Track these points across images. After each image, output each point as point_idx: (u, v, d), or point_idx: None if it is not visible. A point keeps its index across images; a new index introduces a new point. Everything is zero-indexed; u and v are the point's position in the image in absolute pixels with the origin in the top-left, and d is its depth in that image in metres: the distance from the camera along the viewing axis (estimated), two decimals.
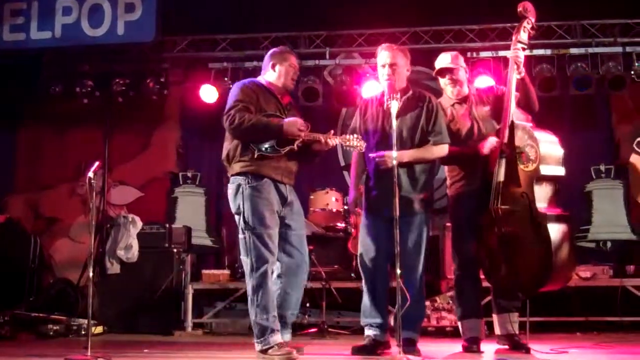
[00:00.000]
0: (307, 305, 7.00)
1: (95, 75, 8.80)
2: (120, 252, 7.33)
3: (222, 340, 6.86)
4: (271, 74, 5.15)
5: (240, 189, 4.87)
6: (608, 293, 7.23)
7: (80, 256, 8.26)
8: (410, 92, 5.13)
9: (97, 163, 5.21)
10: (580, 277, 7.21)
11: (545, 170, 4.88)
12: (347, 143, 4.90)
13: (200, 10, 8.68)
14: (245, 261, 4.86)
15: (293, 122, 4.86)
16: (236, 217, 4.92)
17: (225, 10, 8.70)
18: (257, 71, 8.59)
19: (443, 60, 5.41)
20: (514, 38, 5.23)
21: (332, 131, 5.01)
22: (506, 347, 5.21)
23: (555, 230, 4.79)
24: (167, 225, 7.64)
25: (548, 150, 4.93)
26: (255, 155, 4.84)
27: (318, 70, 8.70)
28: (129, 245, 7.37)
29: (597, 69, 8.33)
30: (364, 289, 5.18)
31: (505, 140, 5.01)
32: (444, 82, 5.42)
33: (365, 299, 5.16)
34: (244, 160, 4.87)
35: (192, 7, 8.67)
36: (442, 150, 5.12)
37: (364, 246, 5.18)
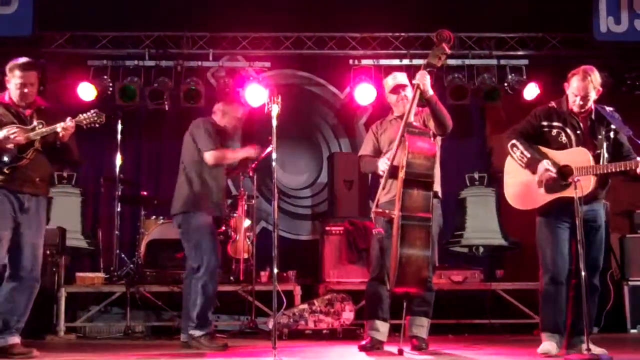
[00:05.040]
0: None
1: None
2: None
3: (96, 344, 6.66)
4: (9, 89, 5.28)
5: None
6: (479, 296, 7.52)
7: None
8: None
9: None
10: (452, 280, 7.46)
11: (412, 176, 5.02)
12: (87, 120, 5.18)
13: (80, 6, 8.42)
14: None
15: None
16: None
17: (107, 7, 8.47)
18: (138, 70, 8.56)
19: (401, 77, 5.60)
20: (425, 62, 5.38)
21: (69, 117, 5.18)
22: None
23: (410, 233, 4.91)
24: None
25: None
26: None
27: (201, 71, 8.65)
28: None
29: (472, 80, 8.68)
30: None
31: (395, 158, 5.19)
32: (397, 97, 5.54)
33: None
34: None
35: (72, 2, 8.40)
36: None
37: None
